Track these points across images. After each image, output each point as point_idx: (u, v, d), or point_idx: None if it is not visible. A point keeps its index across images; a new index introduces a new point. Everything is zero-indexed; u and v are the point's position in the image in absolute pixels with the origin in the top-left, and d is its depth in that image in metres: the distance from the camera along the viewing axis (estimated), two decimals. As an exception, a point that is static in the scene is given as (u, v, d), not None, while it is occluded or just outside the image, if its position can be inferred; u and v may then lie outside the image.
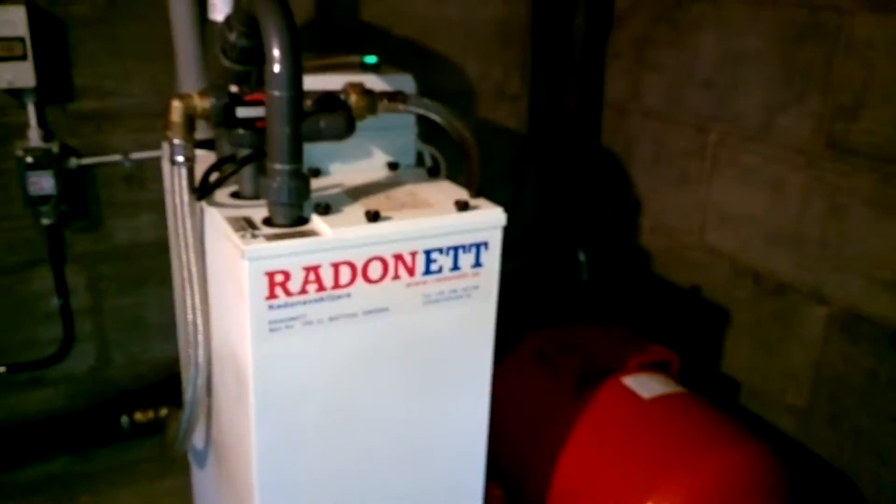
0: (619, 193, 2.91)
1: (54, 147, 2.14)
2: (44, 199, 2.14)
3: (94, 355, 2.47)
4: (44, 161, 2.11)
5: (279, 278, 1.27)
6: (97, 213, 2.33)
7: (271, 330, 1.30)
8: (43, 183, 2.12)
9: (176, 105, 1.38)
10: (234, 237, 1.27)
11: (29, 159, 2.10)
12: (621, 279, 2.94)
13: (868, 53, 2.03)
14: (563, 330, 2.25)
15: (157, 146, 2.25)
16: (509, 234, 1.53)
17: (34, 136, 2.12)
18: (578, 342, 2.14)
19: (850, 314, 2.16)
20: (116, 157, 2.26)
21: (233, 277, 1.31)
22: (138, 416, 2.35)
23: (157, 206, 2.32)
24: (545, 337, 2.19)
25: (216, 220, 1.39)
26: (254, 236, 1.27)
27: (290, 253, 1.27)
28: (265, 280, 1.26)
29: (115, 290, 2.43)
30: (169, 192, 1.53)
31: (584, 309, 2.87)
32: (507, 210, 1.47)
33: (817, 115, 2.17)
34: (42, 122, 2.15)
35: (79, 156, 2.22)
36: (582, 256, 2.89)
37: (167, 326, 2.47)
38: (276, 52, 1.24)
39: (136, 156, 2.27)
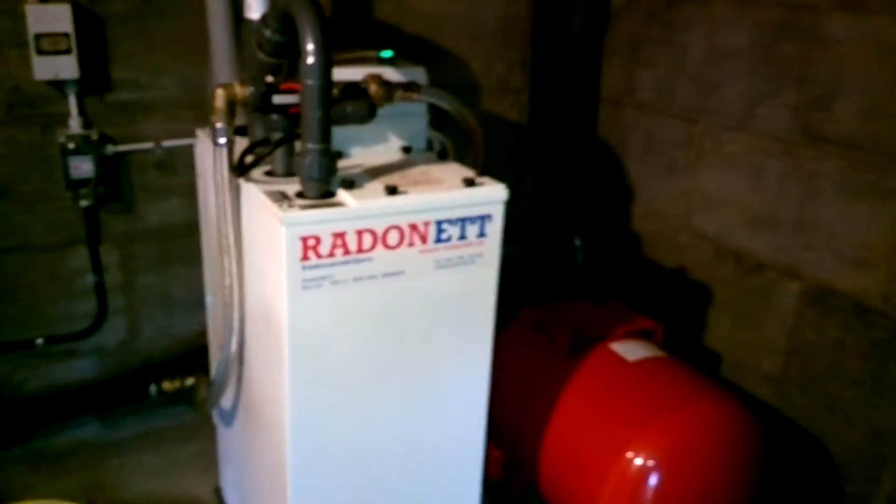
0: (613, 182, 3.11)
1: (94, 134, 2.34)
2: (83, 182, 2.34)
3: (125, 329, 2.67)
4: (84, 147, 2.31)
5: (311, 242, 1.47)
6: (130, 197, 2.52)
7: (304, 287, 1.49)
8: (83, 167, 2.31)
9: (219, 93, 1.57)
10: (273, 207, 1.47)
11: (71, 145, 2.29)
12: (614, 262, 3.14)
13: (839, 49, 2.22)
14: (558, 304, 2.45)
15: (186, 135, 2.46)
16: (510, 219, 1.72)
17: (75, 125, 2.32)
18: (572, 314, 2.33)
19: (821, 289, 2.35)
20: (149, 145, 2.46)
21: (271, 243, 1.50)
22: (166, 384, 2.58)
23: (186, 191, 2.54)
24: (542, 310, 2.39)
25: (254, 194, 1.58)
26: (290, 206, 1.47)
27: (320, 220, 1.47)
28: (299, 244, 1.46)
29: (145, 269, 2.62)
30: (209, 171, 1.72)
31: (579, 289, 3.06)
32: (508, 200, 1.67)
33: (793, 106, 2.37)
34: (82, 112, 2.34)
35: (115, 143, 2.41)
36: (578, 241, 3.08)
37: (192, 303, 2.69)
38: (310, 46, 1.43)
39: (166, 143, 2.47)
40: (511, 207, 1.69)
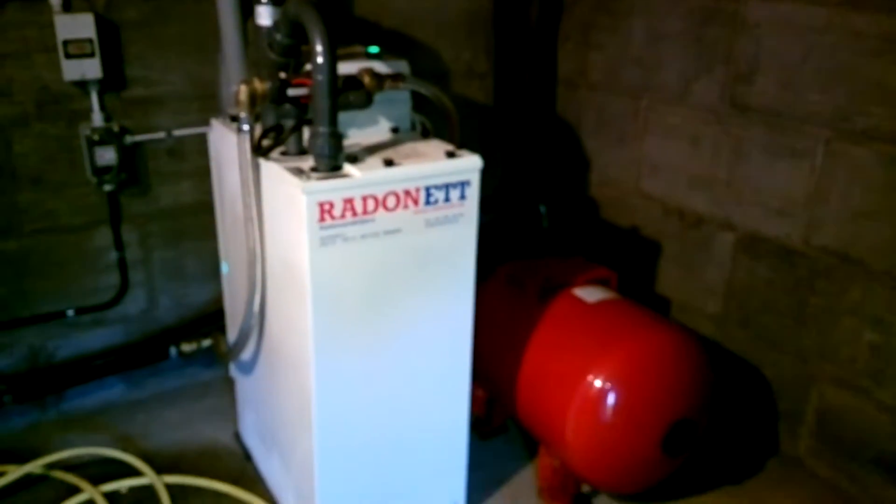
0: (572, 154, 3.47)
1: (115, 126, 2.64)
2: (107, 169, 2.64)
3: (145, 299, 2.98)
4: (107, 138, 2.61)
5: (326, 207, 1.81)
6: (146, 181, 2.83)
7: (321, 244, 1.84)
8: (107, 156, 2.62)
9: (243, 88, 1.90)
10: (295, 179, 1.81)
11: (96, 137, 2.59)
12: (576, 224, 3.51)
13: (757, 32, 2.60)
14: (528, 261, 2.80)
15: (193, 125, 2.79)
16: (482, 191, 2.06)
17: (98, 119, 2.61)
18: (540, 268, 2.69)
19: (752, 237, 2.75)
20: (161, 135, 2.76)
21: (292, 209, 1.84)
22: (184, 346, 2.91)
23: (194, 175, 2.86)
24: (514, 266, 2.74)
25: (274, 170, 1.92)
26: (308, 178, 1.81)
27: (333, 189, 1.81)
28: (317, 208, 1.80)
29: (161, 245, 2.93)
30: (226, 154, 2.05)
31: (546, 249, 3.43)
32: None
33: (722, 81, 2.74)
34: (103, 107, 2.63)
35: (132, 134, 2.71)
36: (543, 208, 3.44)
37: (203, 274, 3.02)
38: (319, 48, 1.76)
39: (177, 133, 2.77)
40: (482, 180, 2.04)
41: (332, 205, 1.81)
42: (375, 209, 1.89)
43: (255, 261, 2.04)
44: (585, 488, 2.58)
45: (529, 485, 2.61)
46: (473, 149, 2.04)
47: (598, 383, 2.26)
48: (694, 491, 2.59)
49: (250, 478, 2.59)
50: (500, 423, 2.89)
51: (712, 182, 2.84)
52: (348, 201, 1.84)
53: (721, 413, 2.80)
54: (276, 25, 1.94)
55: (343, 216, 1.84)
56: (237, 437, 2.78)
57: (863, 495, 2.53)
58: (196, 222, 2.91)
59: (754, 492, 2.62)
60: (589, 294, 2.53)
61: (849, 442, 2.56)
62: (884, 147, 2.30)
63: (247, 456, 2.68)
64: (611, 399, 2.25)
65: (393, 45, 3.03)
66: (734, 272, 2.84)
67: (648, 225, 3.15)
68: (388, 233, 1.93)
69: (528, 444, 2.77)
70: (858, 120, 2.35)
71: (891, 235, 2.32)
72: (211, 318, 3.00)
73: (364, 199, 1.86)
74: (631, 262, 3.22)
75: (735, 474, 2.69)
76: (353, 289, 1.93)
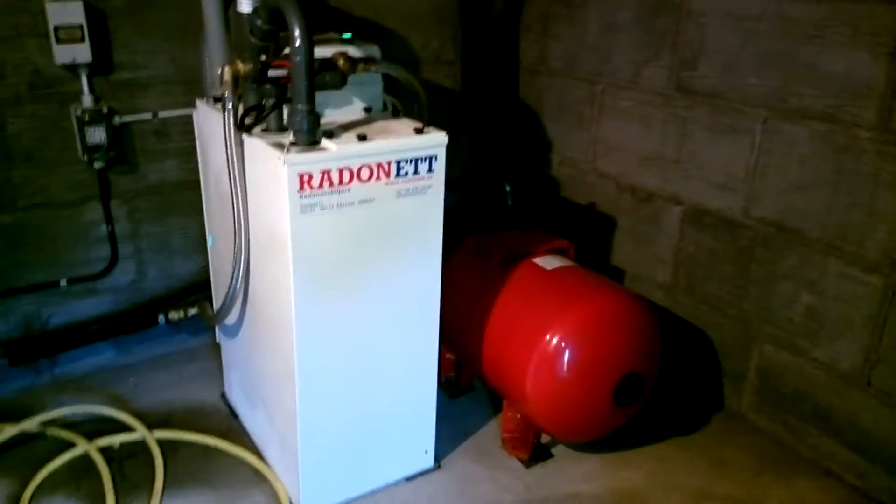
0: (534, 136, 3.69)
1: (104, 107, 2.81)
2: (97, 147, 2.82)
3: (134, 270, 3.16)
4: (97, 118, 2.78)
5: (306, 178, 2.01)
6: (134, 160, 3.00)
7: (301, 212, 2.04)
8: (97, 135, 2.79)
9: (227, 69, 2.09)
10: (276, 153, 2.00)
11: (86, 117, 2.77)
12: (538, 202, 3.73)
13: (701, 20, 2.82)
14: (493, 233, 3.02)
15: (178, 106, 2.97)
16: (450, 172, 2.25)
17: (87, 100, 2.78)
18: (503, 239, 2.90)
19: (697, 210, 2.99)
20: (147, 116, 2.94)
21: (275, 180, 2.03)
22: (172, 314, 3.10)
23: (179, 153, 3.05)
24: (480, 238, 2.95)
25: (257, 145, 2.11)
26: (288, 151, 2.00)
27: (312, 161, 2.01)
28: (297, 179, 2.00)
29: (149, 220, 3.11)
30: (211, 132, 2.24)
31: (511, 226, 3.64)
32: (447, 154, 2.21)
33: (669, 67, 2.97)
34: (92, 90, 2.80)
35: (120, 115, 2.88)
36: (507, 187, 3.65)
37: (188, 248, 3.21)
38: (297, 33, 1.95)
39: (162, 114, 2.95)
40: (451, 161, 2.23)
41: (310, 176, 2.01)
42: (350, 180, 2.09)
43: (240, 229, 2.23)
44: (545, 440, 2.81)
45: (494, 436, 2.84)
46: (443, 131, 2.23)
47: (554, 341, 2.48)
48: (645, 442, 2.83)
49: (236, 433, 2.79)
50: (468, 384, 3.11)
51: (661, 160, 3.07)
52: (325, 173, 2.04)
53: (667, 369, 3.04)
54: (255, 12, 2.11)
55: (321, 186, 2.04)
56: (223, 397, 2.98)
57: (801, 445, 2.78)
58: (181, 198, 3.10)
59: (700, 443, 2.86)
60: (548, 262, 2.75)
61: (787, 397, 2.81)
62: (815, 125, 2.53)
63: (233, 414, 2.88)
64: (566, 355, 2.48)
65: (365, 33, 3.21)
66: (681, 243, 3.08)
67: (604, 201, 3.38)
68: (362, 202, 2.13)
69: (494, 402, 3.00)
70: (792, 100, 2.58)
71: (823, 206, 2.56)
72: (197, 288, 3.19)
73: (340, 170, 2.06)
74: (589, 236, 3.44)
75: (683, 428, 2.93)
76: (331, 253, 2.13)
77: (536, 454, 2.75)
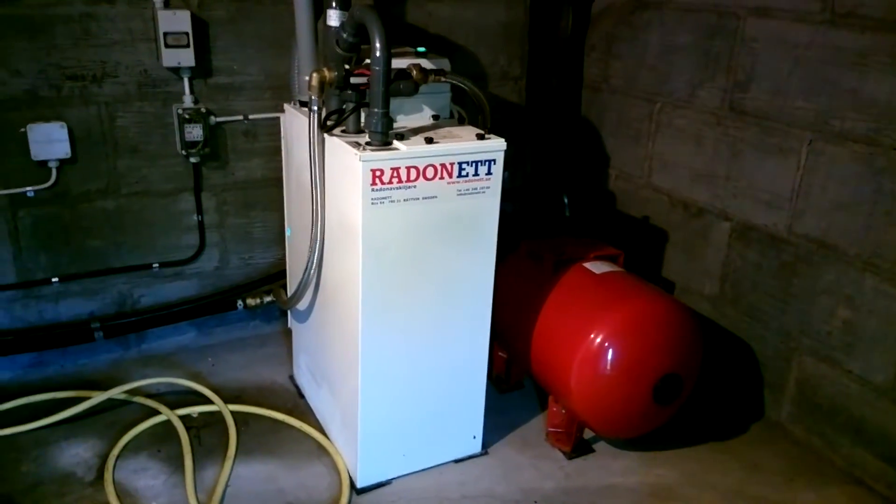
0: (593, 151, 3.88)
1: (203, 108, 3.13)
2: (194, 143, 3.13)
3: (218, 258, 3.46)
4: (195, 117, 3.10)
5: (378, 173, 2.25)
6: (225, 156, 3.31)
7: (372, 204, 2.28)
8: (195, 132, 3.11)
9: (314, 76, 2.35)
10: (353, 150, 2.25)
11: (186, 116, 3.09)
12: (595, 214, 3.91)
13: (754, 45, 2.98)
14: (547, 239, 3.21)
15: (267, 110, 3.26)
16: (512, 182, 2.44)
17: (188, 100, 3.11)
18: (556, 245, 3.09)
19: (744, 226, 3.12)
20: (239, 117, 3.25)
21: (351, 175, 2.28)
22: (249, 300, 3.38)
23: (264, 153, 3.34)
24: (534, 243, 3.14)
25: (337, 144, 2.37)
26: (364, 149, 2.25)
27: (384, 159, 2.25)
28: (370, 174, 2.24)
29: (234, 212, 3.41)
30: (297, 132, 2.50)
31: (566, 235, 3.83)
32: (510, 165, 2.42)
33: (723, 88, 3.13)
34: (192, 91, 3.12)
35: (215, 115, 3.20)
36: (566, 198, 3.83)
37: (267, 240, 3.49)
38: (378, 45, 2.20)
39: (252, 116, 3.25)
40: (513, 172, 2.43)
41: (382, 172, 2.26)
42: (417, 178, 2.32)
43: (318, 219, 2.49)
44: (588, 436, 2.97)
45: (539, 430, 3.02)
46: (506, 142, 2.44)
47: (598, 340, 2.64)
48: (684, 444, 2.97)
49: (302, 410, 3.04)
50: (517, 381, 3.30)
51: (712, 177, 3.22)
52: (395, 170, 2.28)
53: (710, 378, 3.18)
54: (342, 26, 2.38)
55: (390, 182, 2.28)
56: (291, 378, 3.25)
57: (834, 455, 2.88)
58: (264, 194, 3.40)
59: (737, 448, 2.98)
60: (597, 267, 2.92)
61: (824, 408, 2.92)
62: (856, 147, 2.66)
63: (300, 394, 3.14)
64: (609, 353, 2.64)
65: (438, 48, 3.47)
66: (728, 257, 3.21)
67: (657, 215, 3.54)
68: (426, 198, 2.36)
69: (541, 399, 3.18)
70: (836, 123, 2.71)
71: (861, 224, 2.68)
72: (272, 278, 3.48)
73: (408, 168, 2.30)
74: (642, 249, 3.60)
75: (722, 434, 3.06)
76: (396, 243, 2.37)
77: (578, 448, 2.92)
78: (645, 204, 3.60)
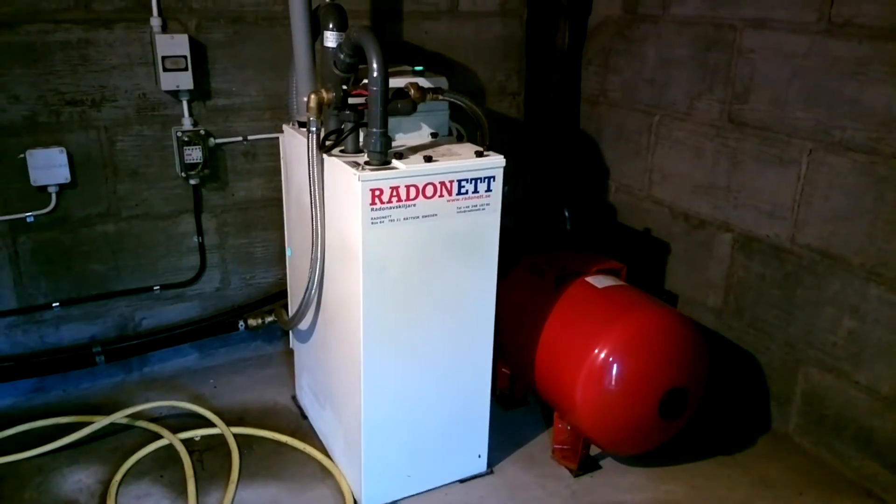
0: (593, 164, 3.88)
1: (202, 130, 3.13)
2: (194, 165, 3.13)
3: (219, 279, 3.45)
4: (195, 139, 3.10)
5: (377, 193, 2.25)
6: (224, 177, 3.31)
7: (372, 223, 2.27)
8: (194, 154, 3.11)
9: (312, 97, 2.35)
10: (352, 170, 2.25)
11: (185, 138, 3.09)
12: (596, 227, 3.90)
13: (752, 57, 2.98)
14: (548, 253, 3.20)
15: (265, 131, 3.27)
16: (512, 196, 2.44)
17: (187, 123, 3.11)
18: (558, 259, 3.08)
19: (746, 237, 3.11)
20: (238, 138, 3.25)
21: (350, 195, 2.28)
22: (251, 321, 3.36)
23: (264, 173, 3.33)
24: (536, 258, 3.13)
25: (336, 163, 2.37)
26: (363, 169, 2.25)
27: (383, 178, 2.25)
28: (370, 193, 2.24)
29: (234, 233, 3.41)
30: (296, 152, 2.50)
31: (566, 248, 3.82)
32: (510, 180, 2.42)
33: (721, 100, 3.13)
34: (191, 114, 3.13)
35: (214, 137, 3.20)
36: (566, 212, 3.82)
37: (268, 260, 3.49)
38: (375, 65, 2.21)
39: (251, 137, 3.26)
40: (512, 186, 2.43)
41: (381, 191, 2.25)
42: (416, 196, 2.32)
43: (318, 238, 2.49)
44: (594, 452, 2.95)
45: (544, 447, 3.00)
46: (505, 157, 2.43)
47: (602, 355, 2.63)
48: (691, 459, 2.95)
49: (305, 432, 3.02)
50: (521, 397, 3.28)
51: (713, 188, 3.22)
52: (394, 189, 2.27)
53: (716, 390, 3.16)
54: (339, 47, 2.39)
55: (390, 201, 2.28)
56: (294, 399, 3.23)
57: (844, 467, 2.86)
58: (264, 214, 3.40)
59: (745, 462, 2.96)
60: (599, 281, 2.91)
61: (832, 419, 2.89)
62: (857, 156, 2.65)
63: (302, 415, 3.12)
64: (614, 368, 2.62)
65: (435, 65, 3.47)
66: (731, 269, 3.20)
67: (658, 227, 3.53)
68: (426, 216, 2.35)
69: (545, 415, 3.16)
70: (836, 133, 2.71)
71: (864, 233, 2.67)
72: (274, 298, 3.47)
73: (407, 187, 2.29)
74: (644, 261, 3.59)
75: (729, 447, 3.03)
76: (396, 262, 2.36)
77: (585, 465, 2.89)
78: (646, 216, 3.59)
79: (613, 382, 2.64)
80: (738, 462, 2.96)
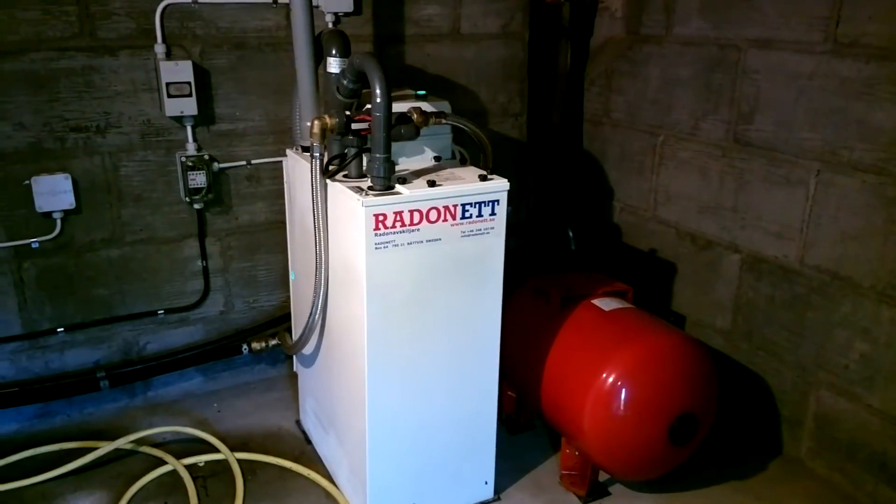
0: (597, 185, 3.86)
1: (206, 155, 3.13)
2: (198, 190, 3.13)
3: (223, 303, 3.44)
4: (199, 164, 3.10)
5: (381, 218, 2.23)
6: (228, 201, 3.30)
7: (376, 248, 2.25)
8: (198, 179, 3.11)
9: (315, 122, 2.34)
10: (355, 196, 2.24)
11: (189, 163, 3.09)
12: (600, 248, 3.88)
13: (756, 77, 2.97)
14: (554, 275, 3.18)
15: (269, 155, 3.27)
16: (515, 217, 2.43)
17: (191, 148, 3.11)
18: (564, 280, 3.06)
19: (755, 258, 3.08)
20: (242, 163, 3.25)
21: (353, 220, 2.26)
22: (254, 345, 3.34)
23: (267, 197, 3.33)
24: (541, 279, 3.11)
25: (339, 189, 2.35)
26: (366, 194, 2.24)
27: (386, 203, 2.23)
28: (373, 219, 2.22)
29: (238, 256, 3.40)
30: (300, 176, 2.49)
31: (571, 269, 3.80)
32: (513, 200, 2.40)
33: (727, 120, 3.11)
34: (195, 139, 3.13)
35: (218, 161, 3.20)
36: (570, 232, 3.81)
37: (271, 283, 3.47)
38: (378, 91, 2.20)
39: (255, 161, 3.26)
40: (516, 207, 2.42)
41: (385, 216, 2.24)
42: (420, 221, 2.30)
43: (321, 263, 2.47)
44: (603, 478, 2.91)
45: (552, 473, 2.95)
46: (508, 178, 2.42)
47: (611, 380, 2.59)
48: (702, 485, 2.90)
49: (309, 457, 2.99)
50: (528, 421, 3.24)
51: (719, 209, 3.19)
52: (398, 214, 2.26)
53: (726, 414, 3.11)
54: (342, 73, 2.38)
55: (394, 226, 2.26)
56: (298, 424, 3.20)
57: (858, 492, 2.81)
58: (268, 237, 3.39)
59: (757, 487, 2.91)
60: (605, 304, 2.88)
61: (845, 443, 2.85)
62: (866, 177, 2.63)
63: (307, 440, 3.09)
64: (622, 393, 2.58)
65: (438, 88, 3.47)
66: (740, 290, 3.17)
67: (664, 248, 3.51)
68: (430, 241, 2.34)
69: (552, 440, 3.12)
70: (843, 153, 2.69)
71: (874, 254, 2.64)
72: (278, 321, 3.45)
73: (411, 212, 2.28)
74: (650, 282, 3.56)
75: (741, 472, 2.98)
76: (400, 287, 2.34)
77: (593, 491, 2.85)
78: (651, 237, 3.57)
79: (622, 407, 2.61)
80: (750, 487, 2.91)
